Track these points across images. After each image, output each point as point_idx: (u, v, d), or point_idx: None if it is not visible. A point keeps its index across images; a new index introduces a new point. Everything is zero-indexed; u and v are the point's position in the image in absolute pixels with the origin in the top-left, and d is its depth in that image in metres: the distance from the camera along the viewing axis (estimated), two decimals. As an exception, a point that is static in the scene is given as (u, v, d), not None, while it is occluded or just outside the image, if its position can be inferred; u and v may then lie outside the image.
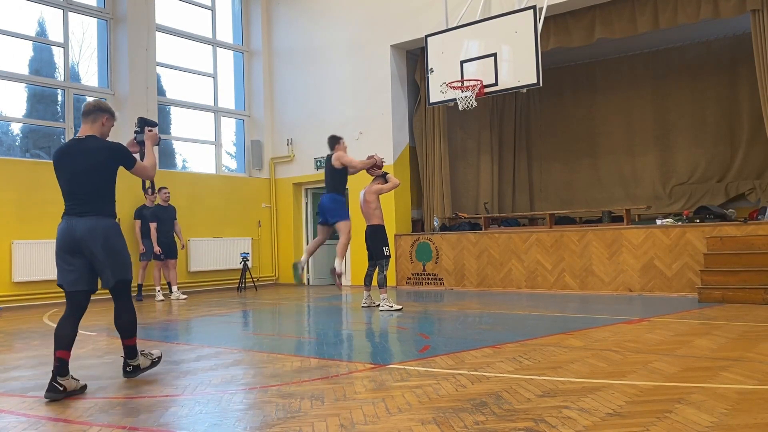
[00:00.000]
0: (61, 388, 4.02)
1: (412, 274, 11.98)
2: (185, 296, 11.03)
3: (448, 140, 12.45)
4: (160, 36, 12.64)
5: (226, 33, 14.28)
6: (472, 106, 9.77)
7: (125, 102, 11.83)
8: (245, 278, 12.41)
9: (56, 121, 11.32)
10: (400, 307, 8.32)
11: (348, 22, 13.01)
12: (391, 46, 12.30)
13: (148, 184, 4.93)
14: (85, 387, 4.20)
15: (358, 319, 7.94)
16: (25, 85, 11.07)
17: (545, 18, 9.69)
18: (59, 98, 11.41)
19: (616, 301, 8.68)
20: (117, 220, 4.47)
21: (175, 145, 13.30)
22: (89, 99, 4.31)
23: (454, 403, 3.58)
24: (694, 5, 9.56)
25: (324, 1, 13.45)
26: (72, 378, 4.12)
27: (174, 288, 11.02)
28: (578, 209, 12.54)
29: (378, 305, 8.37)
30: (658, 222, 9.76)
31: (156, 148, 4.85)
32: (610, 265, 9.74)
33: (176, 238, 11.11)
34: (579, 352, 5.03)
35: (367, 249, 8.54)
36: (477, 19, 10.33)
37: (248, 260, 12.57)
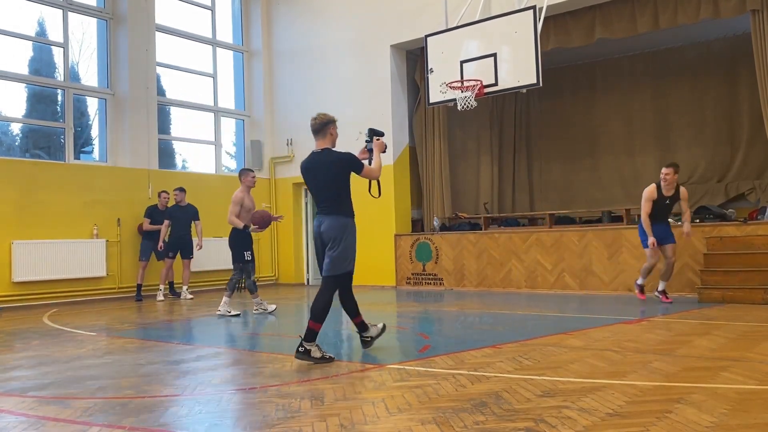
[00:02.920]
0: (302, 350, 4.83)
1: (412, 274, 11.98)
2: (191, 296, 11.05)
3: (448, 140, 12.44)
4: (160, 36, 12.64)
5: (225, 33, 14.28)
6: (471, 106, 9.77)
7: (125, 102, 11.83)
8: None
9: (56, 121, 11.31)
10: (238, 313, 8.37)
11: (348, 22, 13.00)
12: (391, 46, 12.31)
13: (374, 186, 5.43)
14: (331, 359, 4.93)
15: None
16: (24, 85, 11.06)
17: (545, 18, 9.68)
18: (59, 98, 11.40)
19: (616, 301, 8.68)
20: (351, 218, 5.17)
21: (175, 145, 13.31)
22: (313, 117, 5.28)
23: (454, 403, 3.58)
24: (694, 5, 9.55)
25: (324, 1, 13.45)
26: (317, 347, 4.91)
27: (184, 287, 11.07)
28: (578, 209, 12.53)
29: (268, 310, 8.53)
30: (658, 222, 9.75)
31: (383, 154, 5.52)
32: (610, 265, 9.74)
33: (194, 238, 11.12)
34: (579, 352, 5.03)
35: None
36: (477, 19, 10.33)
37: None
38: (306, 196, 14.02)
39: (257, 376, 4.56)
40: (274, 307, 8.67)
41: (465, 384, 4.03)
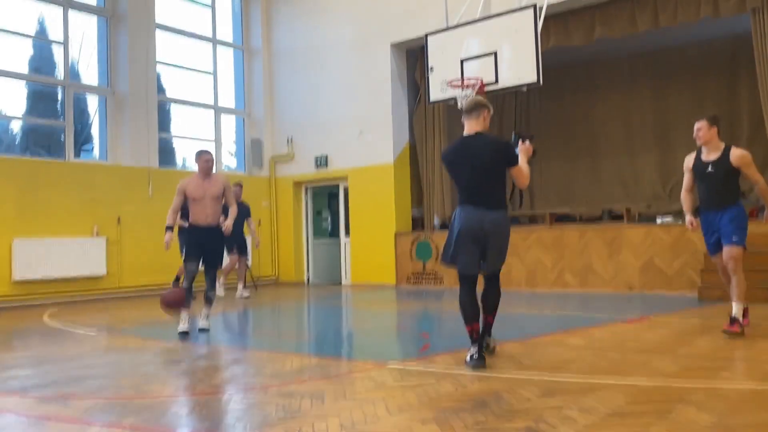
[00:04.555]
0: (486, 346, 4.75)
1: (412, 272, 11.97)
2: (248, 294, 10.76)
3: (449, 138, 12.40)
4: (160, 34, 12.63)
5: (225, 31, 14.27)
6: (471, 104, 9.75)
7: (125, 100, 11.82)
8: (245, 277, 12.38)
9: (56, 119, 11.30)
10: (186, 330, 6.48)
11: (348, 20, 13.00)
12: (391, 44, 12.30)
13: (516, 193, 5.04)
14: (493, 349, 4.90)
15: (358, 318, 7.94)
16: (25, 83, 11.06)
17: (545, 17, 9.67)
18: (59, 96, 11.40)
19: (616, 300, 8.68)
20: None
21: (175, 143, 13.30)
22: (470, 98, 4.94)
23: (454, 403, 3.58)
24: (694, 4, 9.54)
25: (324, 0, 13.44)
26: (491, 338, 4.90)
27: (240, 285, 10.71)
28: (578, 208, 12.52)
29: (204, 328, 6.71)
30: (658, 220, 9.76)
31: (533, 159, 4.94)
32: (610, 263, 9.74)
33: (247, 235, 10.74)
34: (579, 351, 5.03)
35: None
36: (477, 17, 10.32)
37: (248, 259, 12.54)
38: (306, 194, 14.02)
39: (257, 376, 4.56)
40: (183, 327, 6.53)
41: (465, 383, 4.03)
